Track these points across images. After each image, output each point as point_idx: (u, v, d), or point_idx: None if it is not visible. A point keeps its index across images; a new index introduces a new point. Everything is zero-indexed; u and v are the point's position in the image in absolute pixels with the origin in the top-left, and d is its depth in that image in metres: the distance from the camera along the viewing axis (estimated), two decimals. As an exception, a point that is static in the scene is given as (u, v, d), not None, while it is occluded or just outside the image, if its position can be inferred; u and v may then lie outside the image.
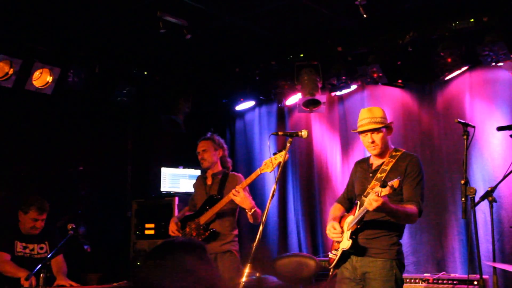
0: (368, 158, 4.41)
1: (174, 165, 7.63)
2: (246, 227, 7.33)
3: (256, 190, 7.59)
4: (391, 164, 4.13)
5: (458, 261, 6.14)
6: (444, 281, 5.59)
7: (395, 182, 3.57)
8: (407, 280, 5.74)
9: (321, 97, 6.72)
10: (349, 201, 4.47)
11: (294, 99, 7.11)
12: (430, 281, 5.65)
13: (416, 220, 4.11)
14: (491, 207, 4.33)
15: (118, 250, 7.38)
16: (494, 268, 4.40)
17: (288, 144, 4.19)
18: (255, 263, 3.67)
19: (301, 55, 6.74)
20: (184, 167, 7.61)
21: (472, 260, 5.50)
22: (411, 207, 3.96)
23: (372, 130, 4.15)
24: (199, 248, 2.04)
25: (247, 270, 3.66)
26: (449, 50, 5.88)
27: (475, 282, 5.26)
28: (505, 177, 4.36)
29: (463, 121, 4.35)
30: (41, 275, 4.48)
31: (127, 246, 7.35)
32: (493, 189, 4.31)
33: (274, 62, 6.94)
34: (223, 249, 5.15)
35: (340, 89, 6.86)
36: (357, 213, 4.03)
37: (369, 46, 6.35)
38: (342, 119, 7.21)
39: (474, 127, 4.37)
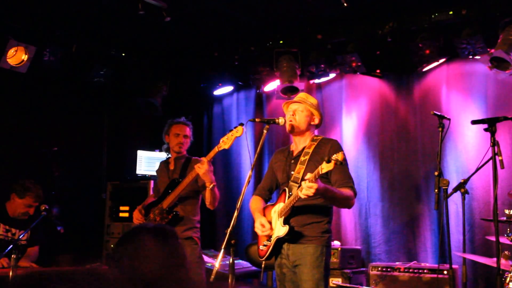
0: (288, 146, 4.45)
1: (151, 148, 7.58)
2: (221, 213, 7.34)
3: (231, 177, 7.58)
4: (313, 147, 4.15)
5: (430, 250, 6.23)
6: (415, 270, 5.68)
7: (339, 155, 3.56)
8: (379, 269, 5.82)
9: (299, 84, 6.72)
10: (269, 192, 4.47)
11: (272, 85, 7.11)
12: (401, 270, 5.74)
13: (354, 204, 4.13)
14: (463, 198, 4.39)
15: (91, 232, 7.33)
16: (464, 258, 4.48)
17: (264, 131, 4.17)
18: (228, 249, 3.67)
19: (281, 42, 6.74)
20: (160, 151, 7.54)
21: (443, 250, 5.59)
22: (347, 191, 3.99)
23: (297, 103, 4.29)
24: (169, 232, 2.05)
25: (220, 255, 3.66)
26: (428, 41, 5.93)
27: (445, 272, 5.34)
28: (477, 169, 4.42)
29: (439, 113, 4.39)
30: (13, 255, 4.43)
31: (101, 228, 7.30)
32: (465, 181, 4.37)
33: (253, 48, 6.91)
34: (185, 235, 4.97)
35: (319, 77, 6.88)
36: (289, 200, 4.00)
37: (349, 35, 6.37)
38: (319, 107, 7.20)
39: (449, 119, 4.41)
